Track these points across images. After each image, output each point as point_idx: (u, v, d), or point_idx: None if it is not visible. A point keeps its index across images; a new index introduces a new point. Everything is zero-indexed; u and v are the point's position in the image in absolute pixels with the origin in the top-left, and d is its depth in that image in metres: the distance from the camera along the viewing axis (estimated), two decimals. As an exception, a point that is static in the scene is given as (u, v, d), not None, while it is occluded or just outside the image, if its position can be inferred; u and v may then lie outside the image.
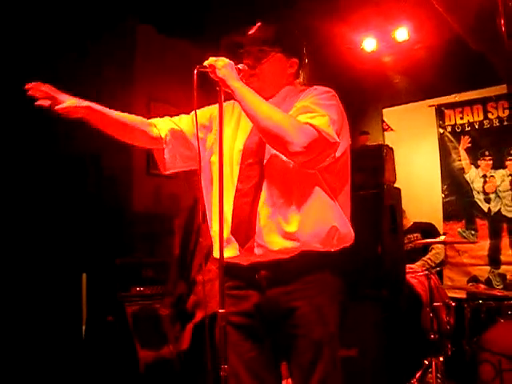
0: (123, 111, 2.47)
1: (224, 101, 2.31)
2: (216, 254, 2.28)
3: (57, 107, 2.28)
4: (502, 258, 7.15)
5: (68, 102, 2.30)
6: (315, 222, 2.30)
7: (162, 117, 2.66)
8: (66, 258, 5.20)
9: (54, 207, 5.21)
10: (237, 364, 2.33)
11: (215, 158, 2.47)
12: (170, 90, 5.91)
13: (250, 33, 2.49)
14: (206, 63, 2.27)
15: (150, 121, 2.60)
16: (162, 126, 2.58)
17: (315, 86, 2.48)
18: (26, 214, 5.03)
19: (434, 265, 6.34)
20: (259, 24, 2.51)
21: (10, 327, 4.71)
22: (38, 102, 2.27)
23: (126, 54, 5.85)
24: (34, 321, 4.86)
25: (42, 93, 2.28)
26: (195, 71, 2.22)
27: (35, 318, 4.87)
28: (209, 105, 2.60)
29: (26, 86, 2.27)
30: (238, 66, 2.36)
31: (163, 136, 2.56)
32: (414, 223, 7.02)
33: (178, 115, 2.68)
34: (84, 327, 5.19)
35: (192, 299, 4.13)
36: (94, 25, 5.36)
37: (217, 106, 2.44)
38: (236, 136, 2.49)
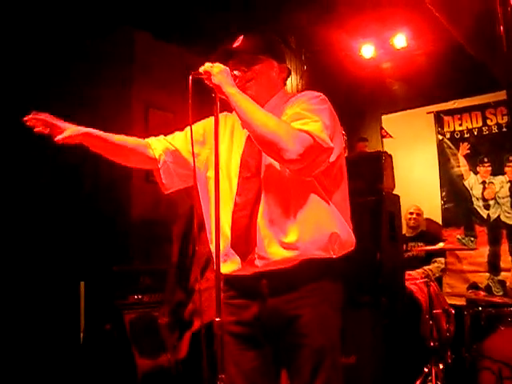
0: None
1: (220, 108, 2.30)
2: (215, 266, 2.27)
3: (56, 138, 2.30)
4: (502, 264, 7.13)
5: (67, 131, 2.32)
6: (315, 229, 2.29)
7: (158, 131, 2.65)
8: (64, 266, 5.19)
9: (52, 214, 5.19)
10: (235, 374, 2.31)
11: (211, 173, 2.44)
12: (168, 96, 5.89)
13: (239, 43, 2.49)
14: (201, 69, 2.26)
15: (145, 141, 2.59)
16: (156, 145, 2.57)
17: (304, 92, 2.48)
18: (23, 221, 5.01)
19: (433, 276, 6.34)
20: (242, 36, 2.51)
21: (9, 335, 4.69)
22: (37, 129, 2.30)
23: (123, 61, 5.84)
24: (32, 329, 4.84)
25: (41, 122, 2.30)
26: (190, 77, 2.21)
27: (33, 326, 4.85)
28: (204, 115, 2.58)
29: (24, 119, 2.29)
30: (234, 72, 2.35)
31: (157, 157, 2.55)
32: (422, 231, 7.05)
33: (172, 132, 2.67)
34: (82, 335, 5.17)
35: (190, 307, 4.11)
36: (91, 31, 5.36)
37: (209, 119, 2.44)
38: (231, 150, 2.48)
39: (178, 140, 2.60)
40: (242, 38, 2.51)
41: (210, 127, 2.47)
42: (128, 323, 4.77)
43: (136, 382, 4.63)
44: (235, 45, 2.49)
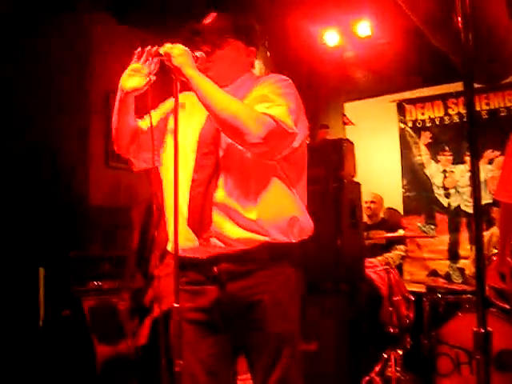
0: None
1: (180, 90, 2.26)
2: (171, 246, 2.23)
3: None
4: (461, 252, 7.23)
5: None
6: (274, 212, 2.27)
7: None
8: (23, 253, 5.12)
9: (9, 200, 5.11)
10: (192, 361, 2.28)
11: (171, 150, 2.39)
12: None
13: (207, 22, 2.45)
14: (161, 50, 2.22)
15: None
16: None
17: (272, 74, 2.46)
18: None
19: (393, 264, 6.39)
20: (216, 13, 2.47)
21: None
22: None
23: (82, 44, 5.74)
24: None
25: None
26: (150, 59, 2.17)
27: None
28: (164, 97, 2.53)
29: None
30: (195, 53, 2.30)
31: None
32: (383, 219, 7.09)
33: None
34: (41, 322, 5.12)
35: (149, 294, 4.08)
36: (46, 12, 5.25)
37: (168, 101, 2.41)
38: (190, 126, 2.43)
39: (140, 121, 2.53)
40: (213, 15, 2.46)
41: (168, 108, 2.44)
42: (87, 310, 4.73)
43: (95, 369, 4.59)
44: (205, 22, 2.44)
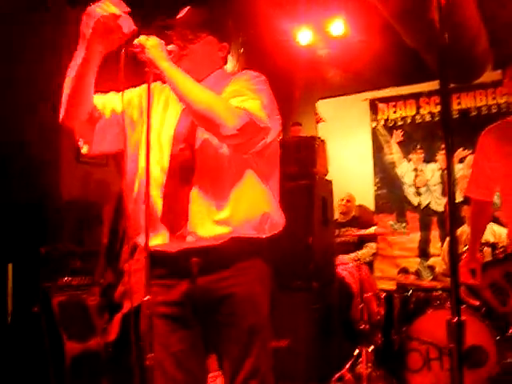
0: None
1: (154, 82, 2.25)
2: (141, 239, 2.20)
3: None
4: (432, 250, 7.31)
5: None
6: (248, 207, 2.27)
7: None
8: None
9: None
10: (163, 356, 2.26)
11: (144, 140, 2.29)
12: (102, 74, 5.77)
13: (180, 16, 2.43)
14: (135, 42, 2.20)
15: None
16: (96, 101, 2.37)
17: (245, 71, 2.46)
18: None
19: (363, 260, 6.43)
20: (189, 8, 2.45)
21: None
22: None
23: (52, 40, 5.66)
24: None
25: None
26: (123, 51, 2.14)
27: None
28: (138, 86, 2.49)
29: None
30: (168, 47, 2.29)
31: (101, 110, 2.38)
32: (354, 217, 7.13)
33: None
34: (9, 318, 5.06)
35: (120, 289, 4.05)
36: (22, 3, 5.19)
37: (145, 86, 2.36)
38: (164, 120, 2.41)
39: (114, 100, 2.42)
40: (187, 9, 2.44)
41: (145, 93, 2.37)
42: (56, 306, 4.68)
43: (64, 366, 4.55)
44: (179, 16, 2.42)
